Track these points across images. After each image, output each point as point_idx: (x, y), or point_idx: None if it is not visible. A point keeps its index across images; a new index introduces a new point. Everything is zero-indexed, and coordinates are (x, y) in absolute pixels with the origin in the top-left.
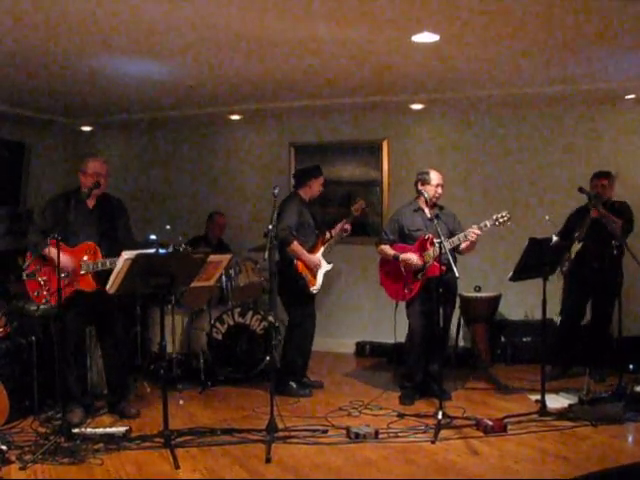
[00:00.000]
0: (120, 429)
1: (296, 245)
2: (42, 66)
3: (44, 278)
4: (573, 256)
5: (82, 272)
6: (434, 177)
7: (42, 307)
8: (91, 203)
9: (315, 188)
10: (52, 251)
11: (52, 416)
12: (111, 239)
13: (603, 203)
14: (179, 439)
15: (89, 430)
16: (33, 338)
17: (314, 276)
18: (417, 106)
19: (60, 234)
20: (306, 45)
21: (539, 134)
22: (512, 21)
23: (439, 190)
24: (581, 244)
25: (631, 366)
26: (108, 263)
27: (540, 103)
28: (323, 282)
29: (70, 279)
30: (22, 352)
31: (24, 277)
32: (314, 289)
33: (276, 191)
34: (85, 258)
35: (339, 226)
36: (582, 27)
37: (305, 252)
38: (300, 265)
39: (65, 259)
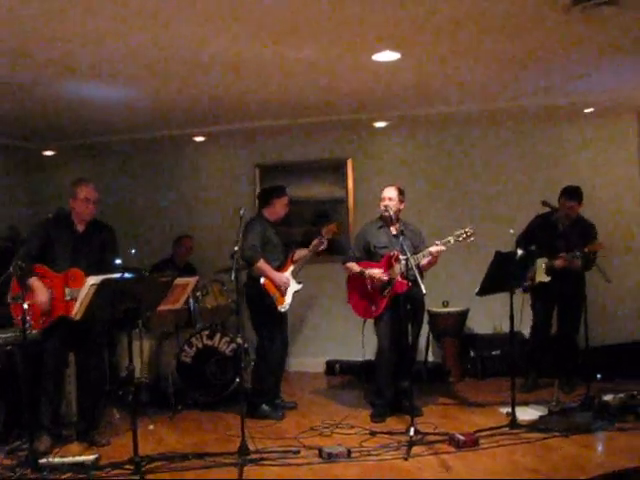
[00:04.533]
0: (89, 457)
1: (262, 263)
2: (3, 90)
3: (28, 302)
4: (537, 283)
5: (67, 298)
6: (384, 192)
7: (5, 336)
8: (81, 228)
9: (279, 208)
10: (34, 282)
11: (18, 447)
12: (98, 265)
13: (571, 222)
14: (150, 465)
15: (57, 460)
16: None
17: (282, 294)
18: (381, 124)
19: (47, 259)
20: (269, 65)
21: (502, 149)
22: (472, 38)
23: (385, 202)
24: (549, 278)
25: (598, 376)
26: None
27: (502, 118)
28: (292, 301)
29: (54, 305)
30: None
31: (9, 300)
32: (282, 308)
33: (242, 212)
34: (65, 284)
35: (314, 243)
36: (541, 43)
37: (272, 270)
38: (267, 284)
39: (42, 294)
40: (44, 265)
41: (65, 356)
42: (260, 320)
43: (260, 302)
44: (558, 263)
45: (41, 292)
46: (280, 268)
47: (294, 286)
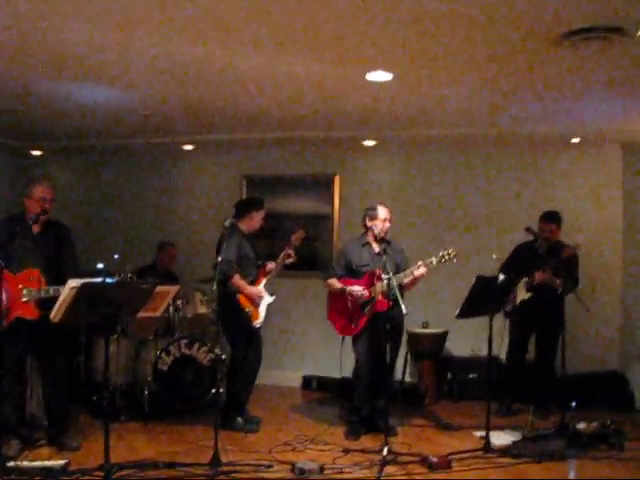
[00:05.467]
0: (59, 462)
1: (237, 279)
2: None
3: None
4: (518, 302)
5: (24, 299)
6: (381, 212)
7: None
8: (36, 229)
9: (256, 220)
10: None
11: None
12: (56, 266)
13: (550, 246)
14: (120, 473)
15: (25, 463)
16: None
17: (256, 308)
18: (369, 142)
19: (2, 259)
20: (261, 79)
21: (489, 173)
22: (463, 65)
23: (387, 224)
24: (529, 294)
25: (573, 403)
26: (52, 291)
27: (489, 143)
28: (269, 315)
29: (10, 306)
30: None
31: None
32: (257, 323)
33: (227, 223)
34: (21, 285)
35: (281, 256)
36: (531, 73)
37: (247, 285)
38: (242, 299)
39: None
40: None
41: (22, 358)
42: (234, 334)
43: (235, 316)
44: (537, 277)
45: None
46: (253, 282)
47: (267, 299)
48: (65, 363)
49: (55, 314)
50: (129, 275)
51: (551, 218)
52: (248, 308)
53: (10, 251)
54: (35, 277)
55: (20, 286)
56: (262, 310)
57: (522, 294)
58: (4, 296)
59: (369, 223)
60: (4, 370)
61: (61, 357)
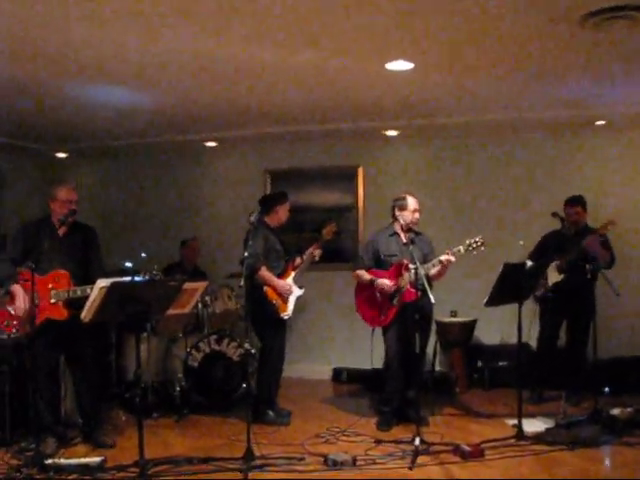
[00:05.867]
0: (95, 459)
1: (264, 271)
2: (17, 93)
3: (12, 307)
4: (551, 285)
5: (52, 300)
6: (411, 202)
7: (13, 336)
8: (63, 231)
9: (281, 214)
10: (16, 289)
11: (25, 447)
12: (83, 267)
13: (578, 230)
14: (155, 469)
15: (63, 461)
16: (5, 368)
17: (285, 302)
18: (392, 133)
19: (31, 262)
20: (282, 72)
21: (512, 159)
22: (484, 51)
23: (416, 215)
24: (562, 276)
25: (607, 389)
26: (79, 291)
27: (512, 129)
28: (297, 308)
29: (40, 307)
30: None
31: None
32: (285, 315)
33: (252, 218)
34: (50, 286)
35: (309, 250)
36: (553, 56)
37: (274, 278)
38: (270, 291)
39: (21, 302)
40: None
41: (55, 358)
42: (263, 326)
43: (263, 309)
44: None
45: (20, 300)
46: (281, 275)
47: (296, 292)
48: (95, 362)
49: (86, 314)
50: (156, 273)
51: (575, 201)
52: (275, 300)
53: (38, 253)
54: (63, 278)
55: (50, 286)
56: (290, 302)
57: (554, 277)
58: (34, 297)
59: (398, 213)
60: (37, 370)
61: (91, 356)
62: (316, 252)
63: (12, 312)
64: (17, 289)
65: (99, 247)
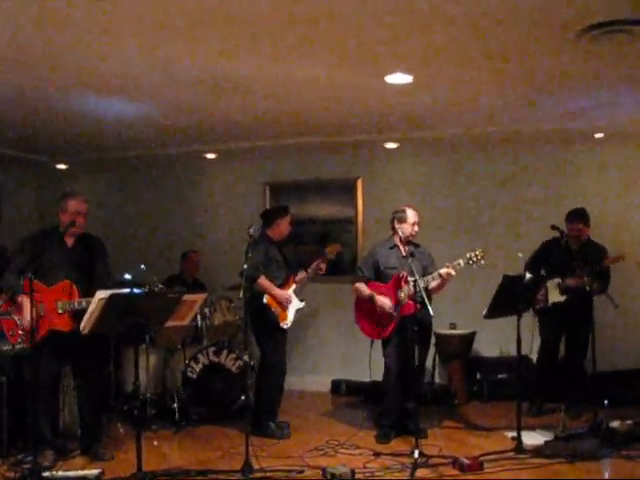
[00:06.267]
0: (92, 472)
1: (263, 279)
2: (17, 104)
3: (19, 317)
4: (550, 304)
5: (59, 311)
6: (411, 215)
7: (16, 347)
8: (70, 241)
9: (283, 227)
10: (23, 299)
11: (22, 459)
12: (89, 278)
13: (583, 245)
14: None
15: (60, 473)
16: (4, 378)
17: (284, 310)
18: (391, 145)
19: (37, 273)
20: (281, 85)
21: (512, 172)
22: (484, 64)
23: (416, 228)
24: (564, 297)
25: (606, 401)
26: (84, 303)
27: (511, 142)
28: (297, 319)
29: (45, 318)
30: None
31: None
32: (284, 324)
33: (252, 230)
34: (56, 297)
35: (315, 264)
36: (552, 69)
37: (273, 286)
38: (269, 299)
39: (27, 313)
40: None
41: (57, 370)
42: (263, 335)
43: (263, 317)
44: (571, 282)
45: (27, 310)
46: (282, 286)
47: (296, 304)
48: (99, 374)
49: (85, 325)
50: (159, 285)
51: (577, 216)
52: (275, 308)
53: (44, 264)
54: (69, 289)
55: (56, 297)
56: (290, 313)
57: (555, 296)
58: (40, 308)
59: (397, 225)
60: (39, 381)
61: (95, 368)
62: (322, 266)
63: (19, 322)
64: (24, 299)
65: (107, 258)
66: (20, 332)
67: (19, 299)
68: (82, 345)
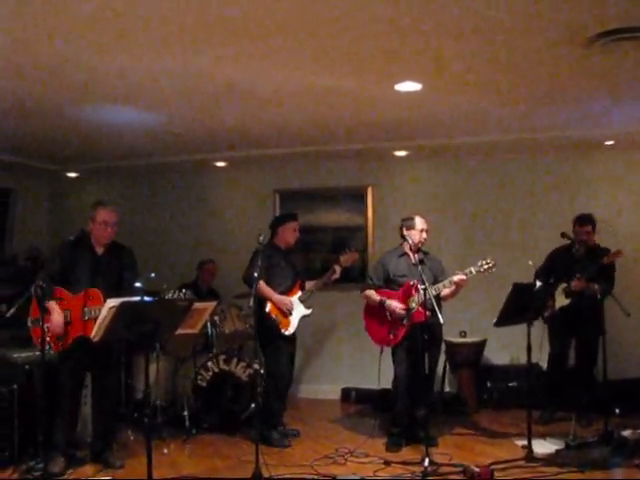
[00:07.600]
0: (103, 479)
1: (262, 285)
2: (29, 113)
3: (48, 325)
4: (557, 309)
5: (85, 318)
6: (418, 222)
7: (25, 355)
8: (100, 251)
9: (286, 235)
10: (52, 305)
11: (33, 466)
12: (116, 287)
13: (589, 249)
14: None
15: None
16: (15, 386)
17: (285, 317)
18: (401, 153)
19: (66, 280)
20: (292, 93)
21: (522, 180)
22: (493, 72)
23: (424, 235)
24: (568, 300)
25: (617, 410)
26: None
27: (522, 149)
28: (306, 327)
29: (73, 325)
30: (2, 400)
31: (29, 324)
32: (286, 331)
33: (261, 238)
34: (83, 304)
35: (327, 275)
36: (561, 77)
37: (273, 293)
38: (271, 307)
39: (57, 319)
40: (63, 287)
41: (82, 377)
42: (265, 342)
43: (264, 325)
44: (575, 284)
45: (56, 317)
46: (285, 292)
47: (301, 311)
48: (117, 382)
49: (95, 333)
50: (184, 292)
51: (586, 220)
52: (276, 315)
53: (75, 273)
54: (95, 296)
55: (83, 304)
56: (293, 320)
57: (561, 300)
58: (67, 314)
59: (406, 233)
60: (62, 388)
61: (115, 376)
62: (333, 277)
63: (47, 328)
64: (53, 305)
65: (136, 267)
66: (48, 339)
67: (49, 304)
68: (105, 353)
